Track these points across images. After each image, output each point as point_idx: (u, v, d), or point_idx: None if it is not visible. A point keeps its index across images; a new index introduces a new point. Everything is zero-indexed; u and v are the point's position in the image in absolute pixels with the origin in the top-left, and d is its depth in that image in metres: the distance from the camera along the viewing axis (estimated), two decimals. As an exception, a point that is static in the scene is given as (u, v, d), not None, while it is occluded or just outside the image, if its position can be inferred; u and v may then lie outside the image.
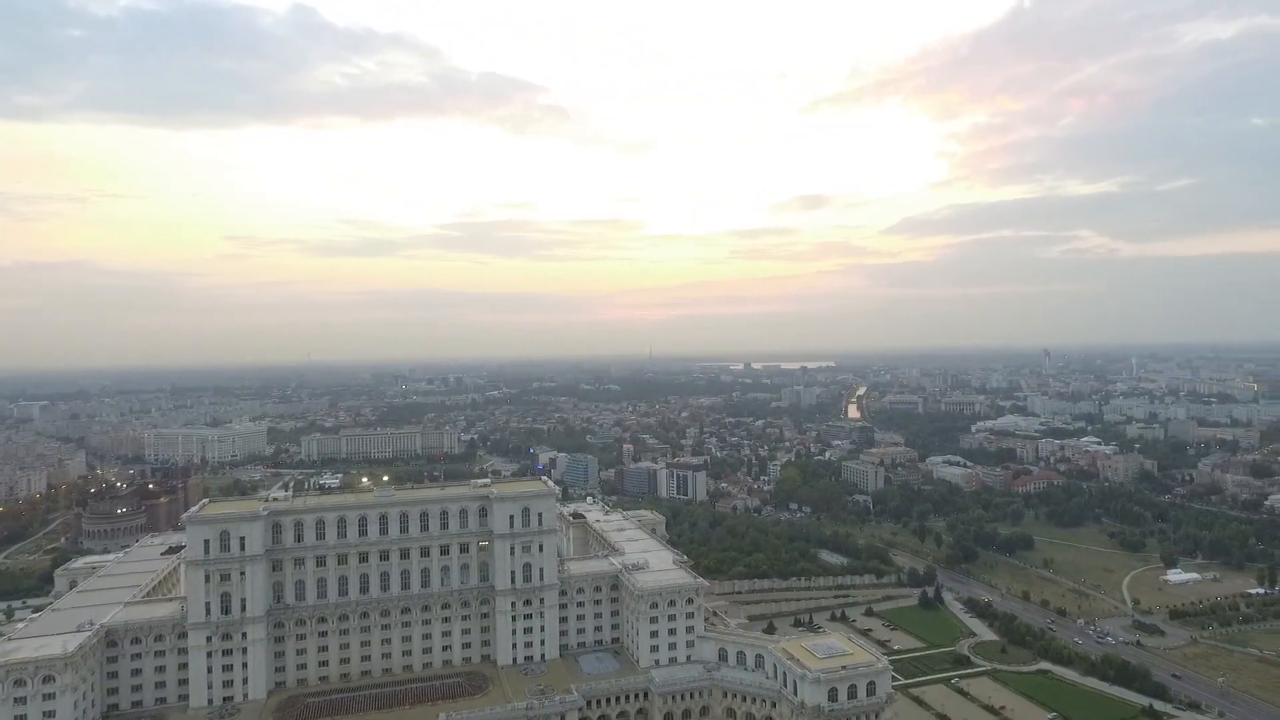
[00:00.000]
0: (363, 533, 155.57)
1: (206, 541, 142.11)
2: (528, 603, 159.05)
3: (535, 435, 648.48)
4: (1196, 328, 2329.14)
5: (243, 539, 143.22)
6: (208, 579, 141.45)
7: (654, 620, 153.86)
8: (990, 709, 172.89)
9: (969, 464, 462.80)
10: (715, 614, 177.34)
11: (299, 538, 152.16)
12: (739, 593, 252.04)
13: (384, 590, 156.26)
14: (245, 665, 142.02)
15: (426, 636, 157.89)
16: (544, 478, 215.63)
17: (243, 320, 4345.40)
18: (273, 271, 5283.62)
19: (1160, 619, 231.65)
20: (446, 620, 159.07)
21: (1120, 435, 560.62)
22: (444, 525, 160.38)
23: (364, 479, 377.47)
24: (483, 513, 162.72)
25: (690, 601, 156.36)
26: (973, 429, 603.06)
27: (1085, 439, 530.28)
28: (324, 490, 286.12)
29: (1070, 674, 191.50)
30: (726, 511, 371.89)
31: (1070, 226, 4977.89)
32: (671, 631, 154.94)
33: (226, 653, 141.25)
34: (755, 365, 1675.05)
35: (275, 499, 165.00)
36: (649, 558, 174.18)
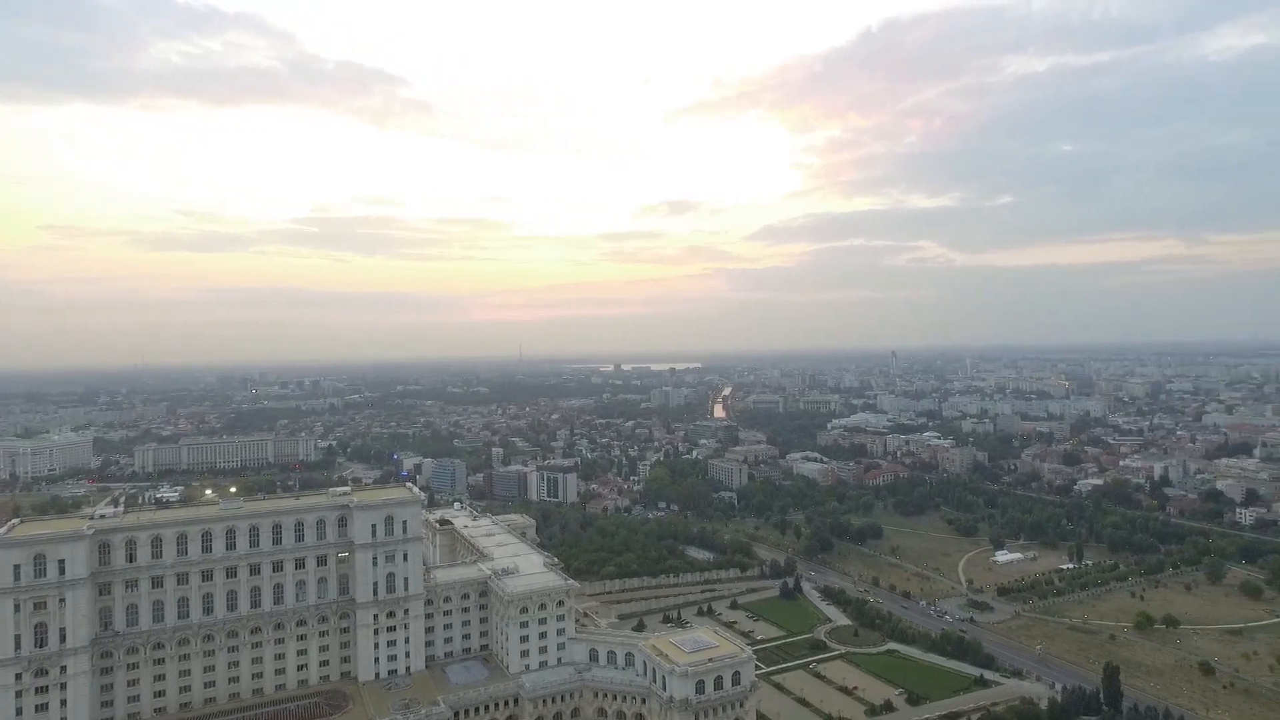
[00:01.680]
0: (207, 549, 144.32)
1: (17, 566, 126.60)
2: (391, 614, 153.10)
3: (399, 440, 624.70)
4: (1020, 331, 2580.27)
5: (62, 562, 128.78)
6: (18, 608, 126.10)
7: (524, 625, 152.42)
8: (844, 689, 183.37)
9: (825, 459, 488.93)
10: (586, 615, 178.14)
11: (131, 557, 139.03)
12: (610, 592, 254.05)
13: (231, 610, 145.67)
14: (65, 703, 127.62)
15: (280, 657, 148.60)
16: (408, 484, 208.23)
17: (62, 319, 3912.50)
18: (99, 266, 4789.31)
19: (990, 596, 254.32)
20: (302, 638, 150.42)
21: (957, 430, 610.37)
22: (299, 537, 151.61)
23: (208, 491, 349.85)
24: (342, 522, 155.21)
25: (561, 604, 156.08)
26: (829, 426, 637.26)
27: (927, 434, 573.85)
28: (161, 504, 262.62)
29: (914, 652, 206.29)
30: (597, 512, 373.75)
31: (914, 237, 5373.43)
32: (542, 635, 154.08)
33: (41, 690, 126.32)
34: (625, 367, 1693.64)
35: (103, 516, 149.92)
36: (519, 562, 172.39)
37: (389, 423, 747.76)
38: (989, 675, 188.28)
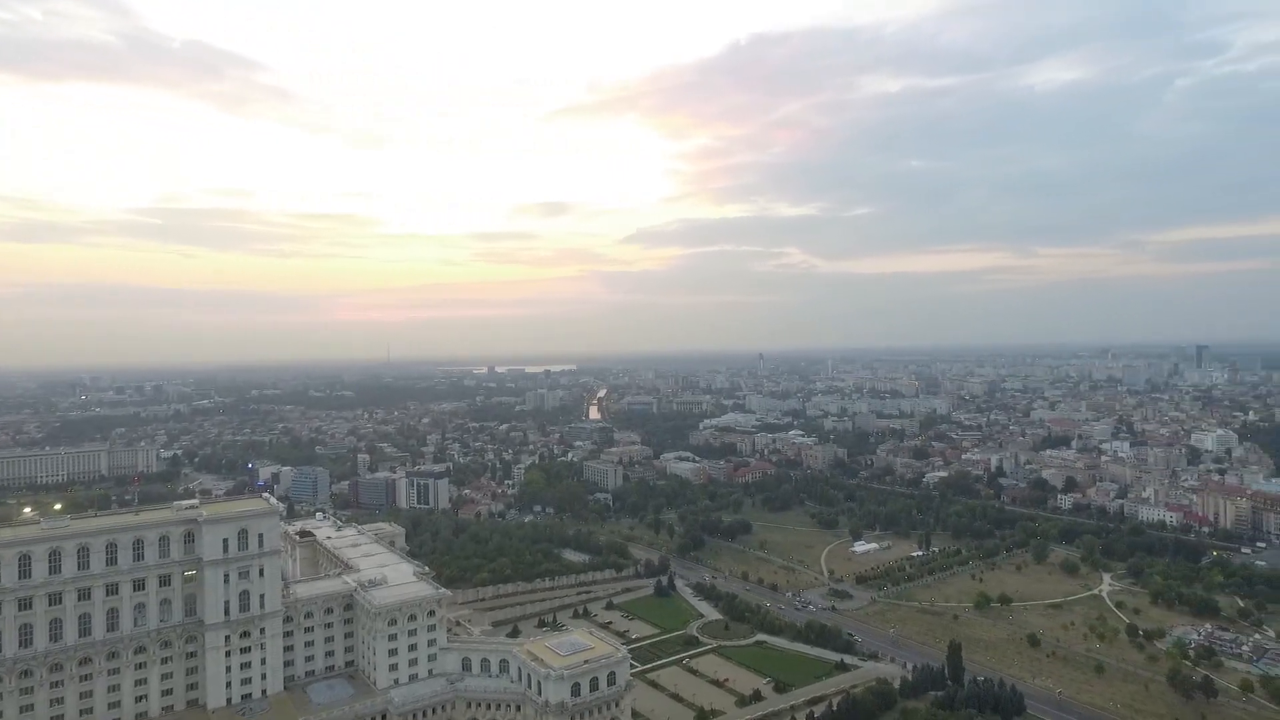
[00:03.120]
0: (25, 574, 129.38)
1: None
2: (245, 634, 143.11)
3: (255, 448, 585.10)
4: (876, 334, 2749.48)
5: None
6: None
7: (393, 637, 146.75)
8: (716, 682, 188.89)
9: (698, 459, 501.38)
10: (459, 623, 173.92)
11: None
12: (484, 599, 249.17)
13: (55, 641, 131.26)
14: None
15: (114, 689, 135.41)
16: (265, 495, 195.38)
17: None
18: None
19: (849, 585, 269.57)
20: (141, 666, 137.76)
21: (819, 428, 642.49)
22: (138, 556, 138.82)
23: (27, 509, 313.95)
24: (189, 538, 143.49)
25: (432, 614, 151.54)
26: (701, 426, 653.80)
27: (792, 432, 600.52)
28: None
29: (781, 641, 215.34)
30: (470, 518, 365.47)
31: (780, 244, 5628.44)
32: (412, 647, 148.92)
33: None
34: (499, 369, 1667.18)
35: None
36: (387, 572, 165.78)
37: (243, 430, 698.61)
38: (849, 659, 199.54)
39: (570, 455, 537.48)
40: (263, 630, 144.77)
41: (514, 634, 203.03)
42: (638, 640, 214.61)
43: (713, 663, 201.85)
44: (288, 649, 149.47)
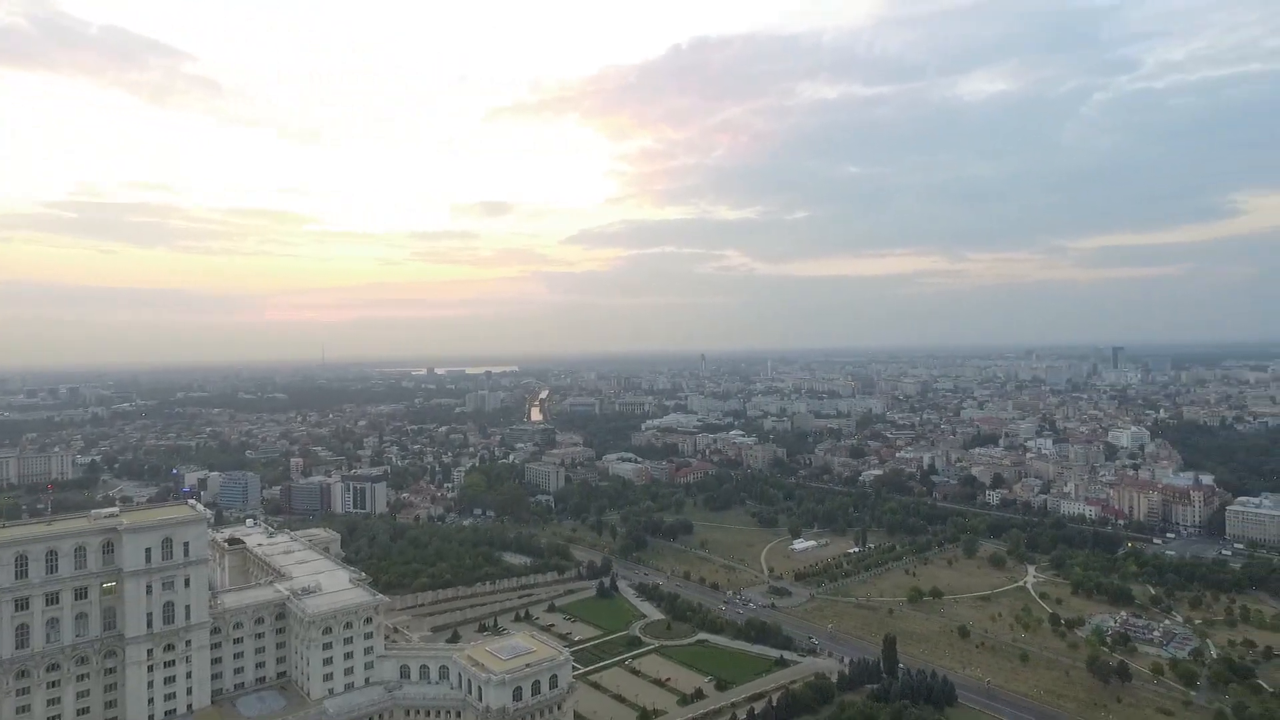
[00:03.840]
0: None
1: None
2: (170, 648, 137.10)
3: (180, 453, 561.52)
4: (814, 336, 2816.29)
5: None
6: None
7: (328, 646, 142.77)
8: (658, 682, 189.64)
9: (640, 459, 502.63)
10: (397, 630, 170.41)
11: None
12: (423, 605, 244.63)
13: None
14: None
15: (24, 710, 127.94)
16: (191, 501, 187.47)
17: None
18: None
19: (789, 582, 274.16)
20: (54, 685, 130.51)
21: (759, 428, 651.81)
22: (51, 569, 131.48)
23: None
24: (108, 548, 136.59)
25: (369, 621, 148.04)
26: (643, 427, 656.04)
27: (733, 432, 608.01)
28: None
29: (722, 640, 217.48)
30: (409, 522, 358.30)
31: (720, 246, 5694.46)
32: (348, 656, 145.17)
33: None
34: (439, 370, 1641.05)
35: None
36: (322, 579, 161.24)
37: (167, 434, 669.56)
38: (788, 655, 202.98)
39: (511, 457, 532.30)
40: (188, 643, 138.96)
41: (454, 639, 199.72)
42: (580, 642, 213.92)
43: (655, 663, 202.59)
44: (216, 661, 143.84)
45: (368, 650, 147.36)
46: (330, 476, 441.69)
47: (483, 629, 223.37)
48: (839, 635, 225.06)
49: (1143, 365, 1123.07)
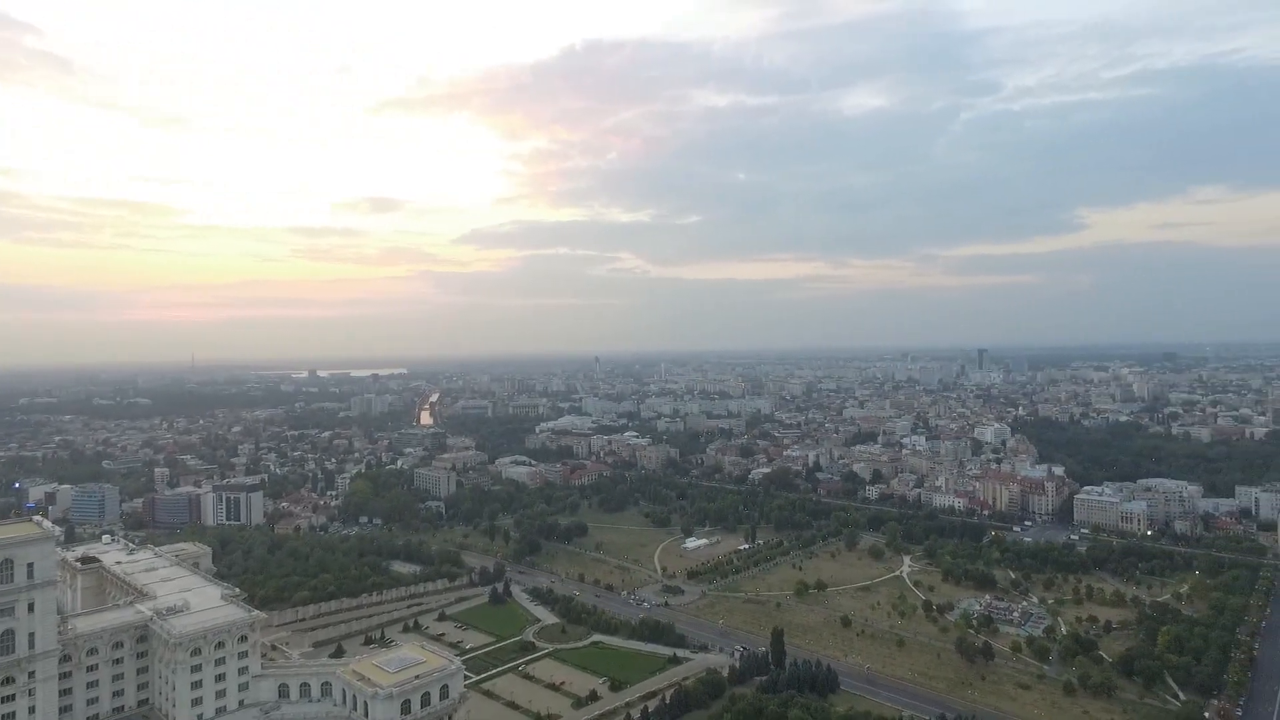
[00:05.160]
0: None
1: None
2: (9, 681, 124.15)
3: (23, 465, 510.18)
4: (706, 337, 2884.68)
5: None
6: None
7: (197, 669, 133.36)
8: (552, 686, 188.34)
9: (534, 462, 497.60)
10: (275, 647, 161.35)
11: None
12: (304, 619, 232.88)
13: None
14: None
15: None
16: (36, 517, 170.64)
17: None
18: None
19: (681, 581, 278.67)
20: None
21: (653, 429, 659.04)
22: None
23: None
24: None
25: (244, 639, 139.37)
26: (537, 430, 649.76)
27: (627, 434, 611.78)
28: None
29: (617, 640, 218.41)
30: (288, 533, 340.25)
31: (614, 248, 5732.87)
32: (220, 678, 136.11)
33: None
34: (321, 373, 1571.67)
35: None
36: (190, 597, 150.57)
37: (9, 443, 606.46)
38: (681, 653, 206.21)
39: (400, 463, 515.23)
40: (31, 674, 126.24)
41: (338, 654, 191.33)
42: (472, 650, 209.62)
43: (549, 667, 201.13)
44: (65, 693, 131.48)
45: (242, 670, 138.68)
46: (200, 487, 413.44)
47: (369, 641, 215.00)
48: (730, 630, 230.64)
49: (1004, 366, 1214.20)
